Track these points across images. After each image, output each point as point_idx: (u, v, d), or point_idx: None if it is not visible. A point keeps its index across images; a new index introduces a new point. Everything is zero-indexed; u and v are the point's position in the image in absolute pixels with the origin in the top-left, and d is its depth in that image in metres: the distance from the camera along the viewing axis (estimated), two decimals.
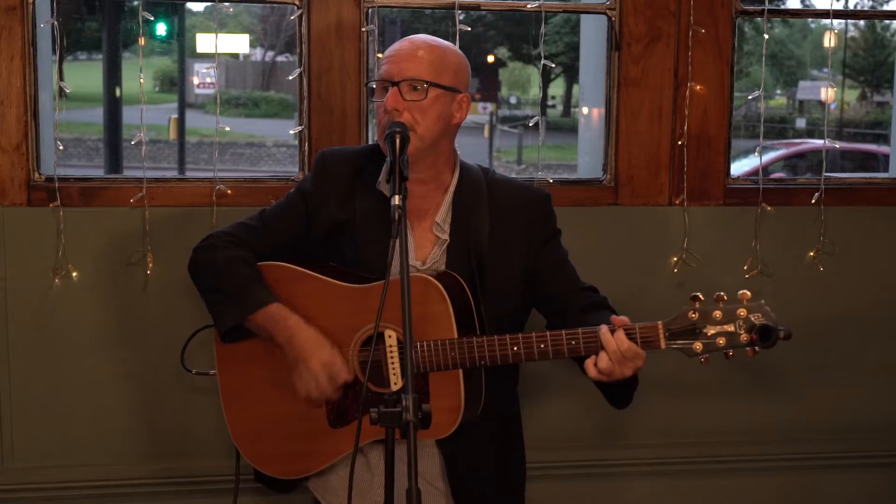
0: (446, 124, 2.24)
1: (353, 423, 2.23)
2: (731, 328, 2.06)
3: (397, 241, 1.92)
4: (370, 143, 2.49)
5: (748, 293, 2.07)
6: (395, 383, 2.18)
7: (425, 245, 2.28)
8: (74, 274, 2.84)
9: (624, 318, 2.12)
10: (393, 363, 2.18)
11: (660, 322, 2.09)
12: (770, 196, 3.10)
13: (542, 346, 2.12)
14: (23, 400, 2.86)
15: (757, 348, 2.07)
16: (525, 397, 3.00)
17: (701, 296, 2.07)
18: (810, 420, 3.21)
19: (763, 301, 2.07)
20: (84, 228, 2.83)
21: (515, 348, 2.13)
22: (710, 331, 2.07)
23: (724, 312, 2.06)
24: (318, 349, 2.18)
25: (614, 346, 2.08)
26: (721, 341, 2.06)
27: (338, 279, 2.25)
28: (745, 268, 3.09)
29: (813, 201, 3.11)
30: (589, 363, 2.11)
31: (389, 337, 2.18)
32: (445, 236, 2.27)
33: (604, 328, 2.10)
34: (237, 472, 2.46)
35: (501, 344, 2.13)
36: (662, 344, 2.09)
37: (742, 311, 2.06)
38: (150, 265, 2.85)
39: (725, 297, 2.06)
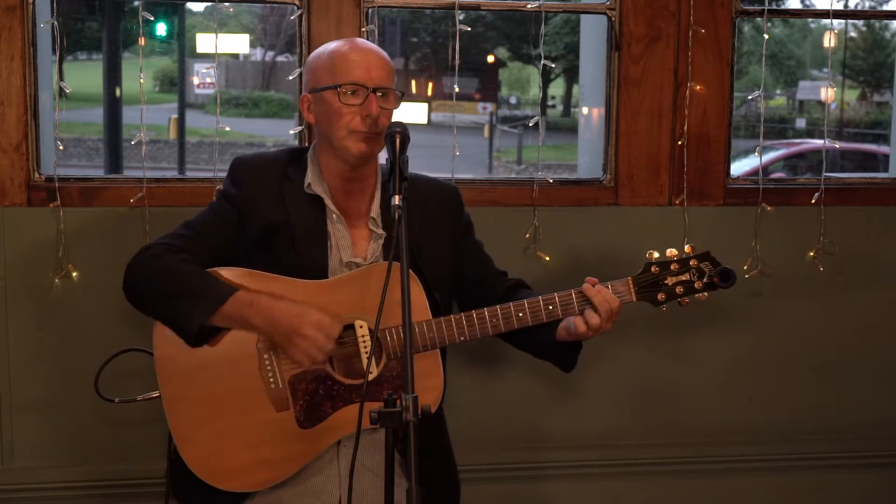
0: None
1: (325, 420, 2.21)
2: (686, 277, 2.31)
3: (394, 239, 1.93)
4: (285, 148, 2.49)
5: (692, 245, 2.32)
6: (371, 372, 2.18)
7: (361, 241, 2.32)
8: (74, 274, 2.84)
9: (594, 279, 2.29)
10: (367, 352, 2.19)
11: (629, 277, 2.31)
12: (770, 196, 3.10)
13: (521, 314, 2.25)
14: (23, 400, 2.86)
15: (706, 293, 2.32)
16: (525, 397, 3.01)
17: (655, 252, 2.31)
18: (810, 420, 3.21)
19: (709, 251, 2.32)
20: (84, 228, 2.83)
21: (494, 320, 2.24)
22: (670, 281, 2.31)
23: (680, 264, 2.31)
24: (303, 314, 2.14)
25: (606, 304, 2.24)
26: (679, 290, 2.31)
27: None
28: (745, 268, 3.09)
29: (813, 201, 3.11)
30: (579, 321, 2.25)
31: (360, 327, 2.20)
32: (381, 231, 2.31)
33: (587, 288, 2.26)
34: (167, 485, 2.40)
35: (480, 318, 2.24)
36: (634, 297, 2.30)
37: (693, 262, 2.31)
38: None
39: (676, 252, 2.32)
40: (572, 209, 3.03)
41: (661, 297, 2.30)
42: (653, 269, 2.30)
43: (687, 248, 2.32)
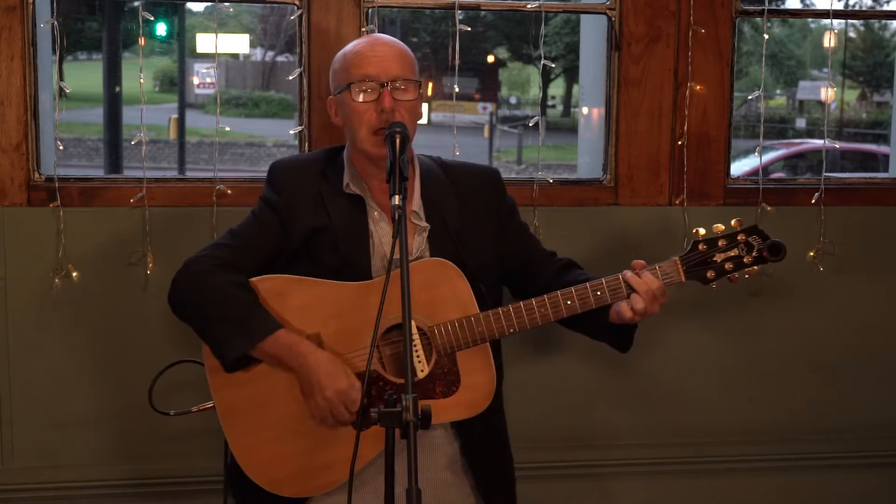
0: (418, 118, 2.30)
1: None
2: (735, 252, 2.27)
3: (394, 239, 1.91)
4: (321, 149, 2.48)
5: (739, 220, 2.28)
6: (422, 370, 2.19)
7: (408, 236, 2.25)
8: (74, 274, 2.84)
9: (642, 262, 2.27)
10: (417, 351, 2.19)
11: (676, 258, 2.27)
12: (770, 196, 3.10)
13: (570, 302, 2.22)
14: (23, 400, 2.86)
15: (756, 267, 2.28)
16: (525, 397, 3.01)
17: (702, 229, 2.27)
18: (810, 420, 3.21)
19: (756, 224, 2.29)
20: (84, 228, 2.83)
21: (543, 310, 2.22)
22: (719, 258, 2.27)
23: (727, 239, 2.27)
24: (334, 377, 2.15)
25: (646, 286, 2.21)
26: (728, 266, 2.27)
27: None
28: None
29: (813, 201, 3.11)
30: (624, 306, 2.22)
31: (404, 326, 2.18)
32: (424, 223, 2.29)
33: (627, 273, 2.23)
34: (226, 474, 2.40)
35: (528, 308, 2.22)
36: (682, 277, 2.26)
37: (741, 237, 2.27)
38: (150, 265, 2.86)
39: (723, 227, 2.27)
40: (572, 209, 3.03)
41: (710, 274, 2.27)
42: (700, 246, 2.27)
43: (734, 223, 2.28)
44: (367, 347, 2.18)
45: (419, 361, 2.19)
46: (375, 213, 2.28)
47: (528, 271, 2.41)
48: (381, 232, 2.28)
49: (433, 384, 2.20)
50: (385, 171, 2.11)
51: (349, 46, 2.30)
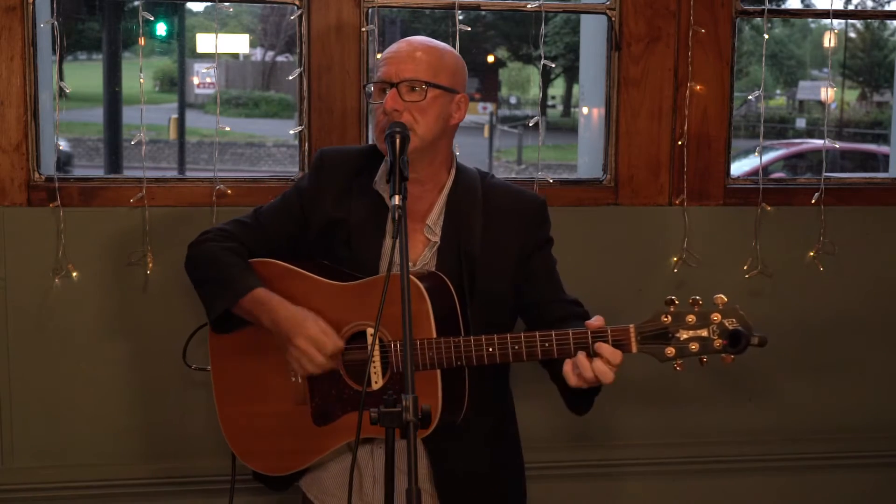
0: (445, 124, 2.25)
1: (336, 421, 2.23)
2: (704, 333, 2.01)
3: (397, 241, 1.91)
4: (369, 143, 2.49)
5: (723, 297, 2.01)
6: (376, 382, 2.16)
7: (416, 246, 2.27)
8: (74, 274, 2.84)
9: (598, 320, 2.09)
10: (374, 363, 2.16)
11: (632, 325, 2.06)
12: (770, 196, 3.10)
13: (517, 347, 2.09)
14: (23, 400, 2.86)
15: (732, 357, 2.03)
16: (524, 396, 3.00)
17: (676, 299, 2.02)
18: (810, 420, 3.21)
19: (738, 306, 2.02)
20: (84, 228, 2.83)
21: (490, 349, 2.10)
22: (684, 335, 2.02)
23: (699, 317, 2.01)
24: (302, 324, 2.16)
25: (586, 371, 2.05)
26: (694, 346, 2.02)
27: (327, 277, 2.25)
28: (745, 268, 3.09)
29: (813, 201, 3.11)
30: (568, 371, 2.08)
31: (371, 335, 2.16)
32: (436, 238, 2.26)
33: (580, 356, 2.06)
34: (233, 473, 2.44)
35: (477, 344, 2.10)
36: (634, 348, 2.05)
37: (716, 316, 2.01)
38: (150, 265, 2.86)
39: (701, 302, 2.01)
40: (572, 209, 3.03)
41: (669, 352, 2.03)
42: (664, 318, 2.03)
43: (717, 299, 2.01)
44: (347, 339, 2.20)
45: (375, 373, 2.16)
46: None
47: (536, 309, 2.32)
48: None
49: (383, 398, 2.18)
50: (390, 173, 2.11)
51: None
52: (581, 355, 2.07)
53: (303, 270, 2.27)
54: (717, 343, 2.00)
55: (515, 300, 2.32)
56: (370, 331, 2.17)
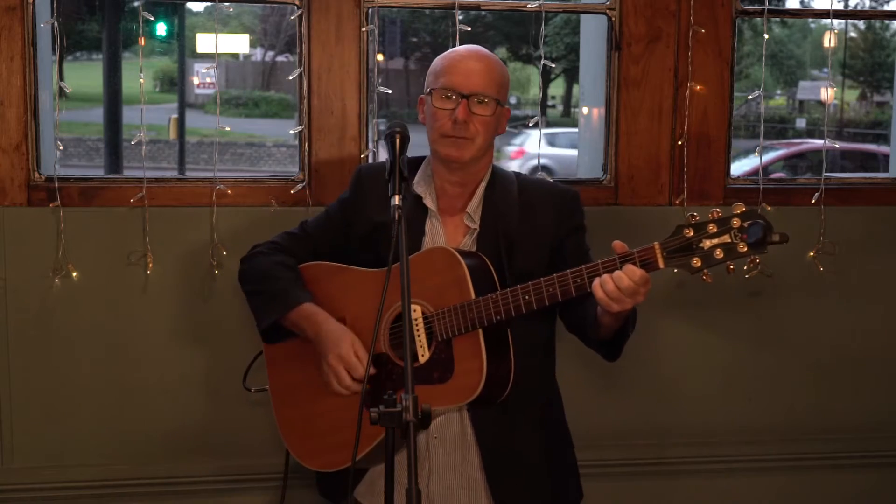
0: (494, 134, 2.39)
1: None
2: (727, 239, 2.02)
3: (394, 239, 1.97)
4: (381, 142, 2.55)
5: (742, 205, 2.03)
6: (423, 355, 2.24)
7: (457, 235, 2.38)
8: (74, 274, 2.84)
9: (622, 245, 2.14)
10: (419, 336, 2.25)
11: (656, 242, 2.09)
12: (770, 196, 3.10)
13: (551, 289, 2.16)
14: (23, 400, 2.86)
15: (758, 258, 2.03)
16: None
17: (696, 214, 2.05)
18: (810, 420, 3.21)
19: (758, 208, 2.04)
20: (84, 228, 2.83)
21: (527, 297, 2.17)
22: (707, 244, 2.03)
23: (719, 224, 2.02)
24: (338, 343, 2.28)
25: (626, 280, 2.09)
26: (719, 253, 2.02)
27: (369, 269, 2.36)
28: (745, 268, 3.09)
29: (813, 201, 3.11)
30: (600, 298, 2.12)
31: (414, 311, 2.26)
32: (475, 225, 2.37)
33: (605, 276, 2.12)
34: (286, 471, 2.54)
35: (514, 294, 2.18)
36: (661, 263, 2.08)
37: (736, 221, 2.01)
38: (150, 265, 2.86)
39: (720, 211, 2.04)
40: None
41: (696, 262, 2.03)
42: (686, 231, 2.04)
43: (736, 206, 2.03)
44: (384, 330, 2.30)
45: (421, 346, 2.25)
46: (432, 211, 2.38)
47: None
48: (434, 230, 2.39)
49: (431, 370, 2.25)
50: (457, 173, 2.34)
51: (449, 52, 2.40)
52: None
53: (349, 266, 2.40)
54: (742, 247, 2.01)
55: None
56: (413, 307, 2.24)
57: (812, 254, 3.13)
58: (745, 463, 3.19)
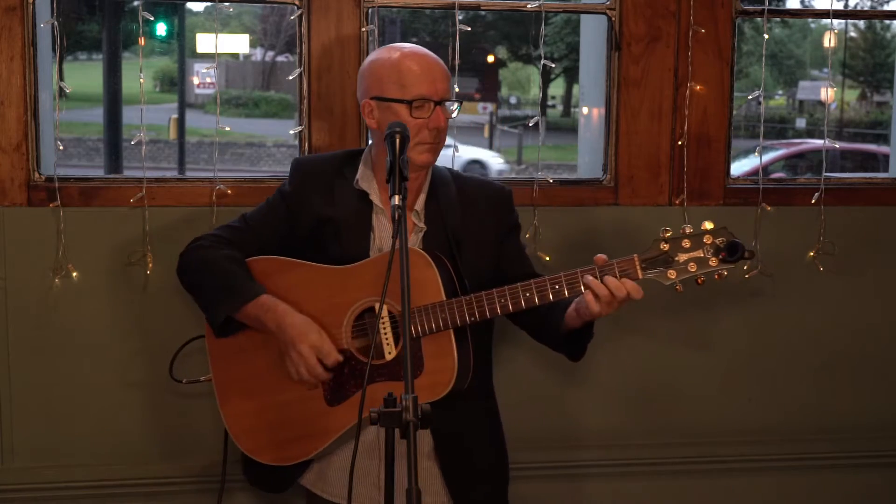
0: None
1: (350, 398, 2.30)
2: (700, 254, 2.22)
3: (394, 238, 1.95)
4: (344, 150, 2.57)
5: (709, 223, 2.23)
6: (389, 353, 2.26)
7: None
8: (74, 274, 2.84)
9: (603, 257, 2.26)
10: (386, 335, 2.27)
11: (635, 255, 2.24)
12: (770, 196, 3.10)
13: (528, 294, 2.24)
14: (23, 400, 2.86)
15: (725, 272, 2.22)
16: (525, 396, 3.01)
17: (668, 228, 2.23)
18: (810, 420, 3.21)
19: (725, 227, 2.23)
20: (84, 228, 2.83)
21: (503, 300, 2.24)
22: (682, 258, 2.23)
23: (692, 240, 2.22)
24: (307, 332, 2.27)
25: (623, 291, 2.21)
26: (692, 267, 2.22)
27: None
28: (745, 267, 3.09)
29: (813, 201, 3.11)
30: (590, 300, 2.21)
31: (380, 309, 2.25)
32: (422, 224, 2.38)
33: (588, 277, 2.23)
34: (223, 473, 2.53)
35: (489, 297, 2.25)
36: (639, 274, 2.23)
37: (707, 238, 2.22)
38: (150, 265, 2.86)
39: (691, 228, 2.23)
40: (572, 209, 3.03)
41: (671, 274, 2.22)
42: (662, 245, 2.23)
43: (705, 225, 2.23)
44: (346, 326, 2.30)
45: (387, 344, 2.27)
46: (378, 208, 2.39)
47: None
48: (381, 226, 2.39)
49: (398, 367, 2.26)
50: (412, 174, 2.29)
51: (395, 56, 2.34)
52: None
53: (302, 261, 2.37)
54: (713, 262, 2.22)
55: (494, 280, 2.41)
56: (377, 305, 2.25)
57: (812, 254, 3.13)
58: (745, 463, 3.19)
